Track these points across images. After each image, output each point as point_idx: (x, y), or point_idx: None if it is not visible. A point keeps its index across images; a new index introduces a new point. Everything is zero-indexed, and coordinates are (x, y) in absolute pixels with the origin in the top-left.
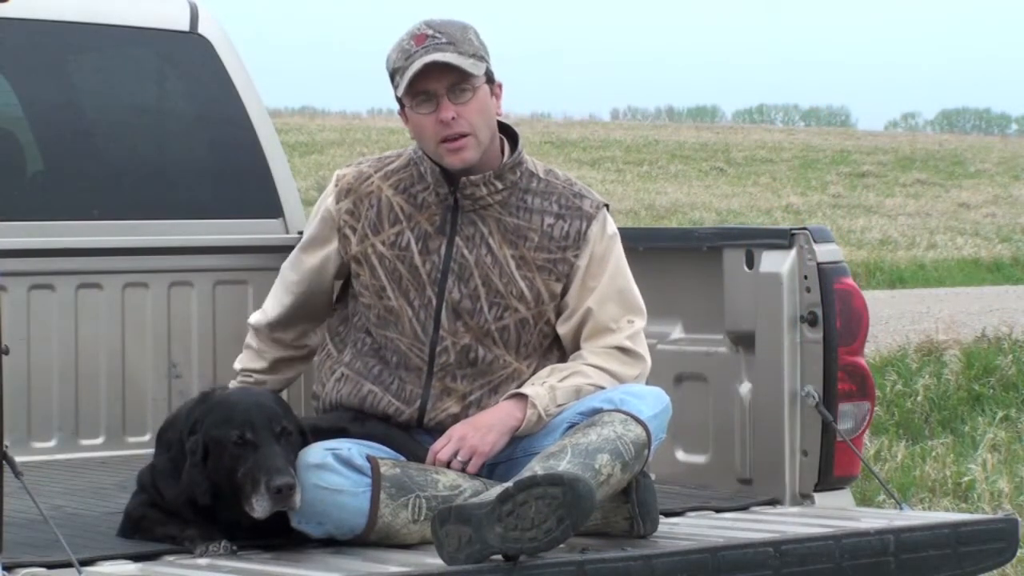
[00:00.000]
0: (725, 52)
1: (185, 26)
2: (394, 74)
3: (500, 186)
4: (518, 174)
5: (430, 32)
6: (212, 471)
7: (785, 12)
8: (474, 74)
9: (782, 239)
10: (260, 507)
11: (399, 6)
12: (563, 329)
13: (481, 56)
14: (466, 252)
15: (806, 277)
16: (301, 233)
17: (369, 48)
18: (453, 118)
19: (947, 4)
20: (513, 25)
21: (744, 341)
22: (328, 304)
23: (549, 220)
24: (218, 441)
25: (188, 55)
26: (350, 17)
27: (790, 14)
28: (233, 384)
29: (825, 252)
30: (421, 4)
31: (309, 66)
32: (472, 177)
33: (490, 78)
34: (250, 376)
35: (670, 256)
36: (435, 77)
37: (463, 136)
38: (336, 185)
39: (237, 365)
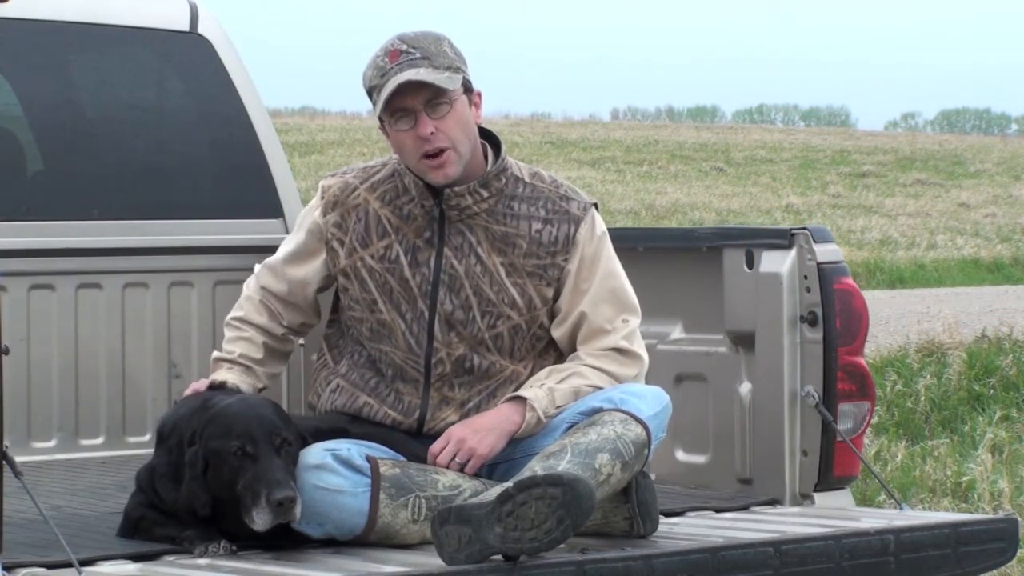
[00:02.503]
0: (725, 52)
1: (185, 26)
2: (371, 92)
3: (486, 194)
4: (503, 180)
5: (403, 47)
6: (212, 483)
7: (785, 12)
8: (449, 88)
9: (782, 239)
10: (260, 520)
11: (400, 6)
12: (558, 333)
13: (457, 67)
14: (455, 263)
15: (806, 277)
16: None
17: (370, 48)
18: (432, 133)
19: (948, 4)
20: (513, 25)
21: (744, 341)
22: (305, 316)
23: (537, 226)
24: (217, 453)
25: (188, 55)
26: (350, 17)
27: (790, 14)
28: (224, 374)
29: (825, 252)
30: (421, 4)
31: (309, 66)
32: (456, 188)
33: (468, 88)
34: (247, 363)
35: (670, 256)
36: (411, 94)
37: (443, 151)
38: (322, 197)
39: (232, 348)
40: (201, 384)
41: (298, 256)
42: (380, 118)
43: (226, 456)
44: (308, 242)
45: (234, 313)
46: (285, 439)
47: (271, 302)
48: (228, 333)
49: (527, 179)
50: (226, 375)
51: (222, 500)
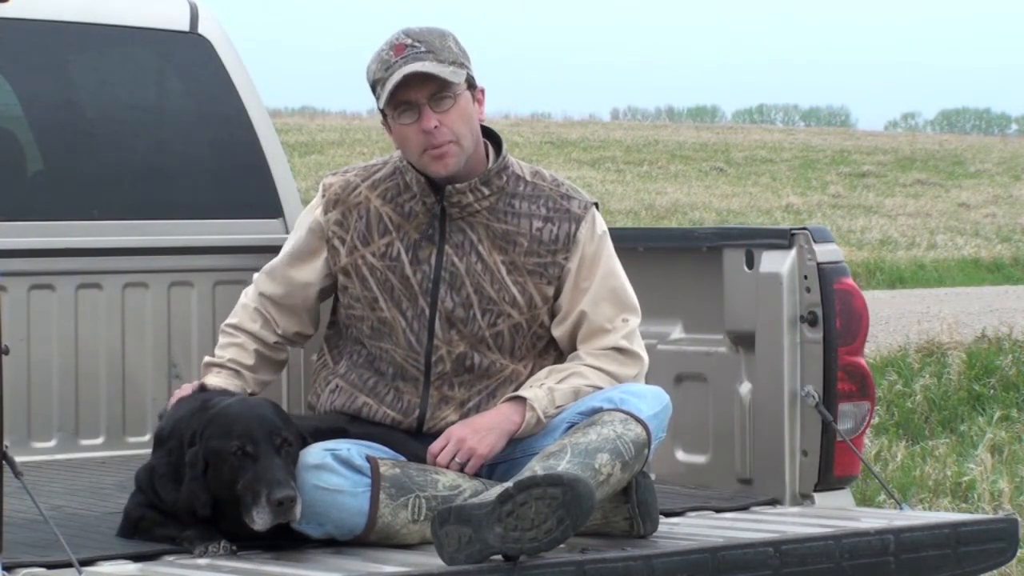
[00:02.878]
0: (725, 52)
1: (185, 26)
2: (375, 85)
3: (487, 192)
4: (504, 179)
5: (408, 41)
6: (212, 483)
7: (785, 12)
8: (454, 82)
9: (782, 239)
10: (261, 520)
11: (400, 6)
12: (558, 331)
13: (461, 63)
14: (456, 260)
15: (806, 277)
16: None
17: (370, 48)
18: (436, 127)
19: (948, 4)
20: (513, 25)
21: (744, 341)
22: (301, 324)
23: (538, 224)
24: (218, 453)
25: (188, 55)
26: (350, 17)
27: (790, 14)
28: (212, 378)
29: (825, 252)
30: (422, 4)
31: (309, 66)
32: (458, 185)
33: (471, 84)
34: (236, 367)
35: (670, 256)
36: (415, 87)
37: (446, 144)
38: (323, 196)
39: (223, 353)
40: (185, 389)
41: (299, 257)
42: (383, 111)
43: (226, 456)
44: (309, 241)
45: (229, 320)
46: (285, 439)
47: (267, 308)
48: (221, 339)
49: (528, 178)
50: (214, 379)
51: (222, 500)
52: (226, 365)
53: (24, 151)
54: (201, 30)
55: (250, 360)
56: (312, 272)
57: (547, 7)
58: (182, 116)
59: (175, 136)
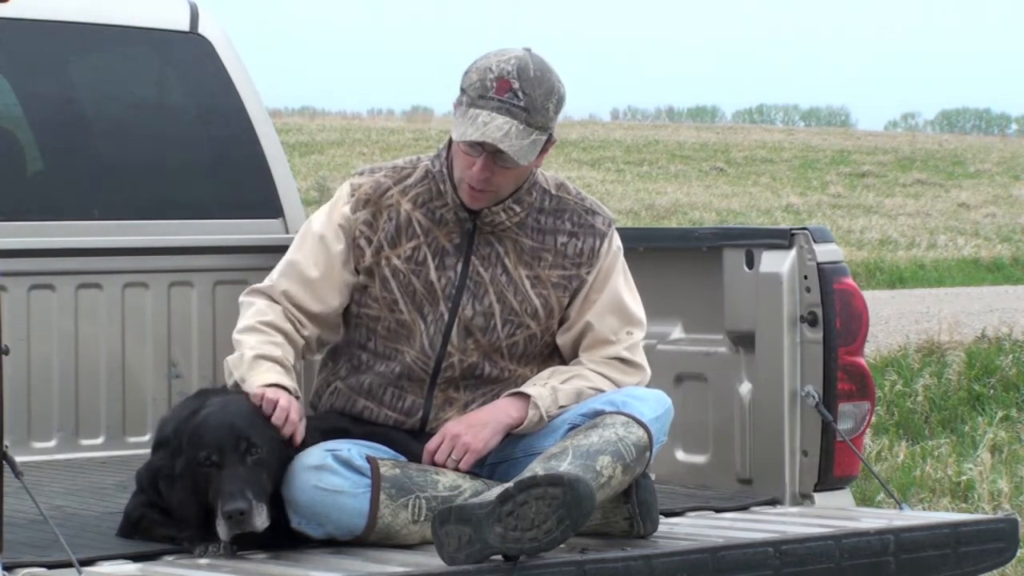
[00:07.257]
0: (725, 52)
1: (185, 26)
2: (465, 90)
3: (518, 209)
4: (533, 195)
5: (516, 85)
6: (198, 493)
7: (785, 11)
8: (521, 163)
9: (782, 239)
10: (221, 530)
11: (399, 6)
12: (561, 339)
13: (547, 127)
14: (482, 270)
15: (806, 277)
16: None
17: (369, 49)
18: (486, 179)
19: (947, 4)
20: (512, 25)
21: (744, 341)
22: (329, 329)
23: (563, 239)
24: (193, 464)
25: (188, 55)
26: (350, 17)
27: (790, 13)
28: (285, 378)
29: (825, 252)
30: (422, 5)
31: (309, 66)
32: (492, 207)
33: (547, 140)
34: (288, 365)
35: (670, 256)
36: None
37: (487, 191)
38: (353, 195)
39: (275, 351)
40: (292, 407)
41: (334, 266)
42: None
43: (198, 467)
44: (335, 243)
45: (260, 317)
46: (251, 444)
47: (294, 314)
48: (259, 337)
49: (553, 191)
50: (287, 379)
51: (211, 509)
52: (282, 362)
53: (24, 151)
54: (201, 30)
55: (292, 360)
56: (344, 278)
57: (546, 6)
58: (182, 116)
59: (175, 136)
